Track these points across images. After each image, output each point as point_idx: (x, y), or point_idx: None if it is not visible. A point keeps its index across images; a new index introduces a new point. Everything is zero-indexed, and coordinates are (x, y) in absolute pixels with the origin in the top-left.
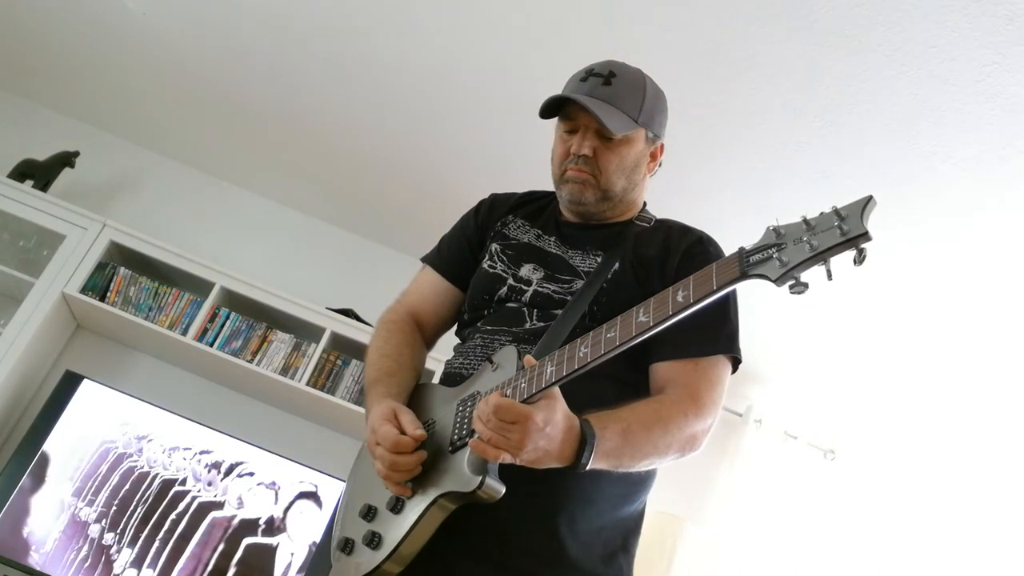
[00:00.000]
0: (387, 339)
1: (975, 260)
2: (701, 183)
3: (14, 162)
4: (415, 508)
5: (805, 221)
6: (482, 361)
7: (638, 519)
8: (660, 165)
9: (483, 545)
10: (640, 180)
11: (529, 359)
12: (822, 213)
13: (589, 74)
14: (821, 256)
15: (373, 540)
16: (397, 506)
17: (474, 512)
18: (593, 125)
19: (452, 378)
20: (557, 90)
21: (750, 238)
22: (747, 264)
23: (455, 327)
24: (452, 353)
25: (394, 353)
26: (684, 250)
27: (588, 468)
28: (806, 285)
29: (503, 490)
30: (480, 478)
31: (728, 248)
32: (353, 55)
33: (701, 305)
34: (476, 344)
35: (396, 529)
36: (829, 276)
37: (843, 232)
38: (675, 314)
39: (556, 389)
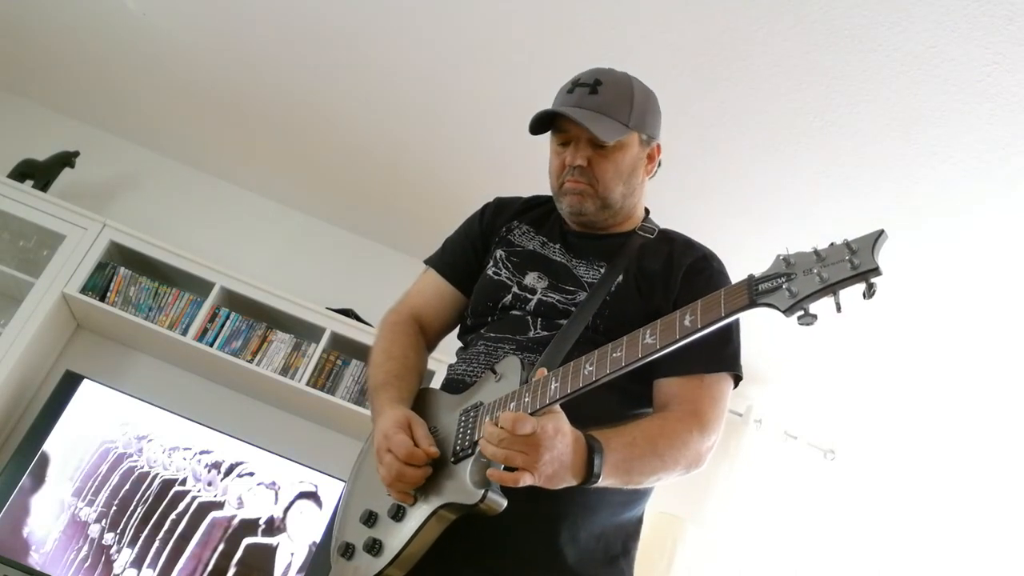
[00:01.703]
0: (393, 341)
1: (975, 260)
2: (700, 183)
3: (14, 162)
4: (416, 517)
5: (816, 252)
6: (486, 369)
7: (638, 524)
8: (659, 165)
9: (484, 553)
10: (639, 184)
11: (542, 371)
12: (832, 244)
13: (575, 85)
14: (831, 288)
15: (374, 547)
16: (399, 514)
17: (476, 520)
18: (585, 135)
19: (455, 384)
20: (555, 90)
21: (749, 239)
22: (756, 293)
23: (457, 330)
24: (454, 356)
25: (400, 356)
26: (687, 266)
27: (600, 483)
28: (815, 317)
29: (505, 503)
30: (483, 491)
31: (728, 257)
32: (353, 55)
33: (708, 331)
34: (480, 351)
35: (397, 537)
36: (838, 309)
37: (854, 266)
38: (682, 338)
39: (557, 404)
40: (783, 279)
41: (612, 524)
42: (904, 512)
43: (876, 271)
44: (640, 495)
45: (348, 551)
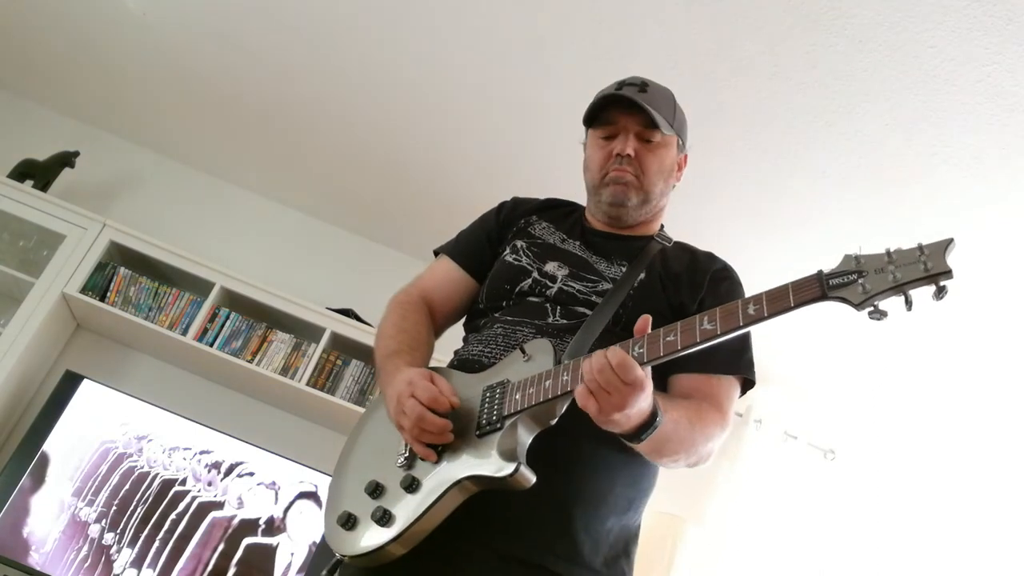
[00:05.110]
0: (404, 316)
1: (975, 261)
2: (700, 184)
3: (14, 162)
4: (434, 488)
5: (887, 252)
6: (506, 350)
7: (638, 528)
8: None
9: (493, 532)
10: (670, 188)
11: (645, 318)
12: (900, 248)
13: (623, 84)
14: (902, 288)
15: (384, 517)
16: (412, 485)
17: (486, 500)
18: (634, 127)
19: (470, 364)
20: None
21: (748, 239)
22: (828, 287)
23: (461, 322)
24: (454, 355)
25: (412, 330)
26: (713, 271)
27: (639, 446)
28: (885, 313)
29: (534, 479)
30: (515, 465)
31: (728, 258)
32: (353, 55)
33: (771, 320)
34: (497, 333)
35: (410, 508)
36: (909, 307)
37: (927, 268)
38: (745, 325)
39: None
40: (855, 275)
41: (619, 522)
42: (904, 512)
43: (948, 274)
44: (644, 496)
45: (350, 521)
